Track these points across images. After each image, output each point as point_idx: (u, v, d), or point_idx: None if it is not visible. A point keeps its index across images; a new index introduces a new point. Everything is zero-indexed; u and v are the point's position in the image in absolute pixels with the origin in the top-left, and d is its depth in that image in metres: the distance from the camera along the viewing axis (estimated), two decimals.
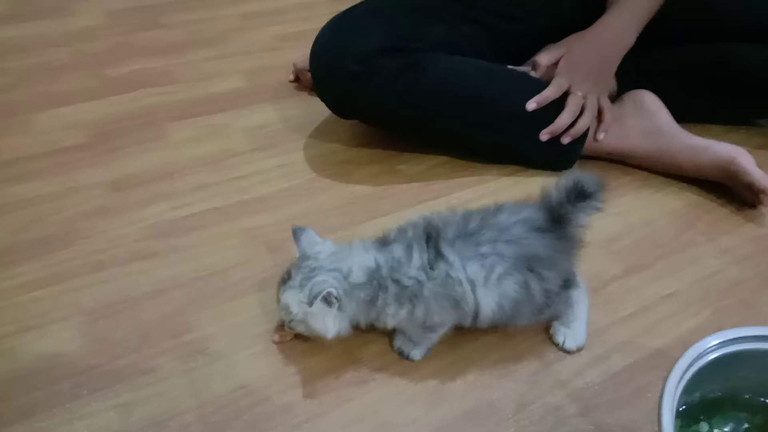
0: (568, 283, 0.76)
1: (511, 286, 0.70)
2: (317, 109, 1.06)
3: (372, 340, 0.78)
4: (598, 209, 0.71)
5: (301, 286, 0.70)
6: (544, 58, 1.06)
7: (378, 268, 0.71)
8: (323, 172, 1.07)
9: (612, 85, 1.11)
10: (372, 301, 0.71)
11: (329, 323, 0.70)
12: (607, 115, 1.06)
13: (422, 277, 0.70)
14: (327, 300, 0.68)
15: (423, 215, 0.75)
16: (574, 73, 1.03)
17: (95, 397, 0.72)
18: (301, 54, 1.17)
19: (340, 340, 0.73)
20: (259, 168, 1.08)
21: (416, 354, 0.76)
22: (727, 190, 1.04)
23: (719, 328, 0.61)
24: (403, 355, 0.77)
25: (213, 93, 1.28)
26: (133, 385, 0.73)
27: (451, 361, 0.77)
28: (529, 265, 0.71)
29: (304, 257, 0.73)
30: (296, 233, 0.76)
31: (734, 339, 0.61)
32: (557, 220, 0.72)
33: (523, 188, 1.05)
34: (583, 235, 0.75)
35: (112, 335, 0.79)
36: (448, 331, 0.75)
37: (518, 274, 0.70)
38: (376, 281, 0.70)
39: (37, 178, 1.04)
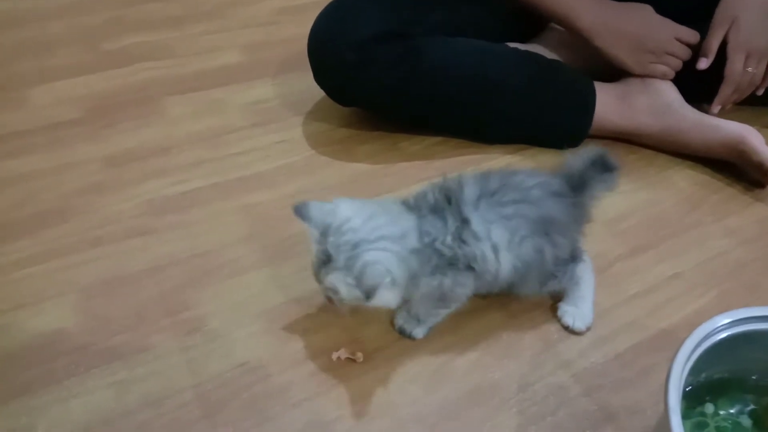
0: (573, 255, 0.76)
1: (528, 249, 0.70)
2: (317, 85, 1.04)
3: (372, 320, 0.77)
4: (612, 187, 0.74)
5: (348, 267, 0.63)
6: (713, 42, 1.01)
7: (422, 235, 0.67)
8: (323, 149, 1.05)
9: None
10: (418, 274, 0.67)
11: (388, 297, 0.65)
12: None
13: (456, 248, 0.67)
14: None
15: (434, 182, 0.73)
16: (748, 47, 0.99)
17: (91, 375, 0.71)
18: None
19: (339, 317, 0.71)
20: (257, 144, 1.06)
21: (418, 332, 0.75)
22: (735, 169, 1.02)
23: (725, 309, 0.60)
24: (404, 334, 0.75)
25: (211, 67, 1.26)
26: (130, 363, 0.72)
27: (452, 341, 0.76)
28: (545, 228, 0.70)
29: (334, 230, 0.65)
30: (300, 211, 0.67)
31: (743, 319, 0.60)
32: (576, 187, 0.73)
33: (527, 165, 1.03)
34: (593, 209, 0.76)
35: (108, 313, 0.78)
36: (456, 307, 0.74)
37: (536, 237, 0.70)
38: (423, 250, 0.66)
39: (32, 154, 1.02)
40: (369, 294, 0.62)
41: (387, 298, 0.65)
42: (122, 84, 1.19)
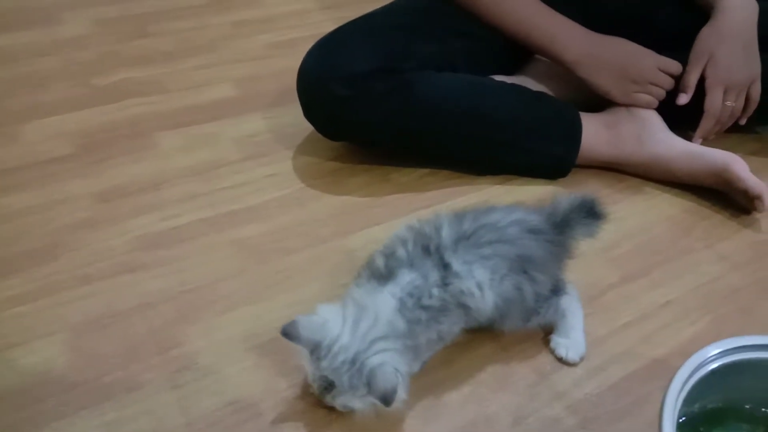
0: (556, 289, 0.76)
1: (507, 287, 0.70)
2: None
3: None
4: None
5: (353, 386, 0.63)
6: (691, 78, 1.04)
7: (403, 304, 0.66)
8: (314, 182, 1.06)
9: (759, 62, 1.05)
10: (416, 344, 0.67)
11: (401, 394, 0.63)
12: (750, 108, 1.06)
13: (443, 294, 0.67)
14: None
15: (406, 227, 0.73)
16: (726, 81, 1.02)
17: (80, 416, 0.69)
18: None
19: None
20: (249, 178, 1.06)
21: (414, 366, 0.74)
22: (722, 196, 1.03)
23: (718, 336, 0.60)
24: None
25: (202, 102, 1.27)
26: (120, 403, 0.71)
27: (446, 375, 0.75)
28: (523, 266, 0.70)
29: (323, 351, 0.64)
30: (289, 332, 0.65)
31: (735, 348, 0.60)
32: (557, 225, 0.74)
33: (516, 196, 1.03)
34: (575, 246, 0.77)
35: (98, 351, 0.77)
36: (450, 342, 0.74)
37: (514, 275, 0.70)
38: (411, 319, 0.66)
39: (22, 190, 1.02)
40: (388, 399, 0.60)
41: (400, 394, 0.63)
42: (114, 119, 1.20)
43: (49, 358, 0.76)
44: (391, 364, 0.63)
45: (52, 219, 0.97)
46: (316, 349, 0.64)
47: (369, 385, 0.62)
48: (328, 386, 0.64)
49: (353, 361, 0.63)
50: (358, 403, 0.64)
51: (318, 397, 0.67)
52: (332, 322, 0.65)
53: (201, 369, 0.75)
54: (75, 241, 0.93)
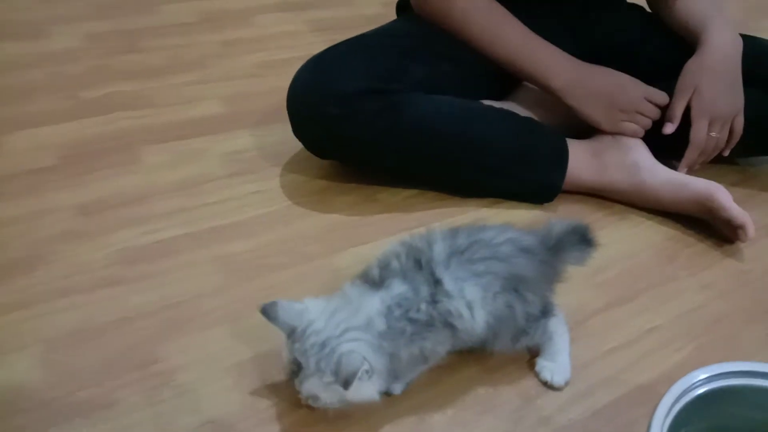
0: (545, 311, 0.75)
1: (499, 305, 0.69)
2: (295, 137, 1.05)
3: None
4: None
5: (320, 369, 0.62)
6: (677, 109, 1.05)
7: (390, 311, 0.66)
8: (301, 200, 1.05)
9: (742, 96, 1.07)
10: (395, 353, 0.66)
11: (370, 391, 0.64)
12: (734, 140, 1.08)
13: (431, 310, 0.67)
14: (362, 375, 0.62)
15: (400, 242, 0.73)
16: (711, 113, 1.04)
17: None
18: None
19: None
20: (234, 194, 1.05)
21: (396, 388, 0.73)
22: (705, 224, 1.04)
23: (703, 363, 0.60)
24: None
25: (190, 118, 1.26)
26: (93, 420, 0.69)
27: (430, 397, 0.74)
28: (515, 285, 0.70)
29: (297, 335, 0.64)
30: (267, 311, 0.66)
31: (720, 374, 0.60)
32: (550, 249, 0.74)
33: (504, 218, 1.03)
34: (565, 269, 0.77)
35: (73, 366, 0.75)
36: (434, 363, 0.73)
37: (507, 294, 0.70)
38: (393, 326, 0.65)
39: (3, 200, 1.00)
40: (346, 383, 0.60)
41: (366, 389, 0.63)
42: (100, 132, 1.19)
43: (21, 373, 0.73)
44: (361, 353, 0.62)
45: (32, 230, 0.95)
46: (291, 334, 0.65)
47: (335, 370, 0.61)
48: (296, 369, 0.64)
49: (323, 345, 0.63)
50: (323, 392, 0.63)
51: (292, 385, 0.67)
52: (312, 309, 0.66)
53: (179, 386, 0.73)
54: (54, 253, 0.91)
